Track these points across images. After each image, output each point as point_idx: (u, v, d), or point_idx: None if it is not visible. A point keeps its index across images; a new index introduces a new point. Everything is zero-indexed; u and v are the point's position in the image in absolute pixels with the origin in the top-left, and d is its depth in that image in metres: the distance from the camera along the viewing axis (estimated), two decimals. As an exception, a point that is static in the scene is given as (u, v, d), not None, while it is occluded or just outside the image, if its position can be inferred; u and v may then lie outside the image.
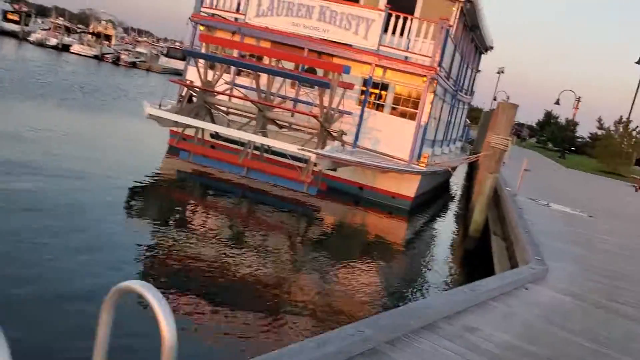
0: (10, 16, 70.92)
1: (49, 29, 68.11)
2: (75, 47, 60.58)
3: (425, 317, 3.71)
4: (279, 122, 13.92)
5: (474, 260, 11.20)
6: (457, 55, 18.99)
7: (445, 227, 16.24)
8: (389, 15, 15.20)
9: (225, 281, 7.72)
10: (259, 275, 8.21)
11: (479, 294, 4.39)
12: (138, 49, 69.85)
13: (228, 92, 13.98)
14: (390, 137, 15.30)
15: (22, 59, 40.22)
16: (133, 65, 61.43)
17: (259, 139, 12.56)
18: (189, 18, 16.39)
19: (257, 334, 6.24)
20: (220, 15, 16.87)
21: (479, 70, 29.92)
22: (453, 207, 20.20)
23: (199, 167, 14.50)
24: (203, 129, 13.69)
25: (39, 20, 78.89)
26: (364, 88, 15.58)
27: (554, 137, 55.86)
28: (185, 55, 18.73)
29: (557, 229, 8.86)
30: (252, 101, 13.32)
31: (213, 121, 14.07)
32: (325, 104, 13.29)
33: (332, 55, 15.71)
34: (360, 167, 14.55)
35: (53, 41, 62.17)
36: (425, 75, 14.95)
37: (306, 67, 15.83)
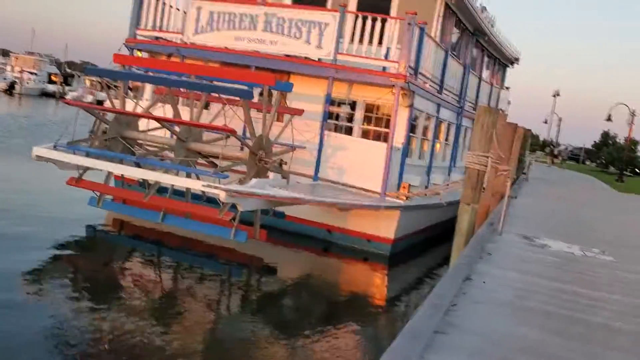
0: (53, 78, 73.31)
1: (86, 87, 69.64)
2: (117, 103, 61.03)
3: None
4: (204, 153, 11.11)
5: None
6: (455, 64, 15.76)
7: (437, 276, 12.73)
8: (355, 17, 12.32)
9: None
10: (197, 355, 6.69)
11: None
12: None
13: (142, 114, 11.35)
14: (359, 165, 12.19)
15: (32, 115, 39.86)
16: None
17: (156, 177, 9.78)
18: (123, 44, 14.12)
19: None
20: (163, 38, 14.52)
21: (507, 88, 26.32)
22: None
23: (114, 215, 11.96)
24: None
25: (84, 79, 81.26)
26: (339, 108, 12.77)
27: (612, 158, 50.21)
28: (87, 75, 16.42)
29: (527, 288, 5.50)
30: (155, 118, 10.64)
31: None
32: (255, 123, 10.47)
33: (287, 72, 12.92)
34: (325, 206, 11.55)
35: (89, 98, 63.02)
36: (393, 85, 11.84)
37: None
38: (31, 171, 14.27)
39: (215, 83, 11.42)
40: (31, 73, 67.84)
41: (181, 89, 12.40)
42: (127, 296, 8.53)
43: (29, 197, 13.02)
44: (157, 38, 14.56)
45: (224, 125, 10.63)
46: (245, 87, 10.75)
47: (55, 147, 10.57)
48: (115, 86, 12.91)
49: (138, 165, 10.52)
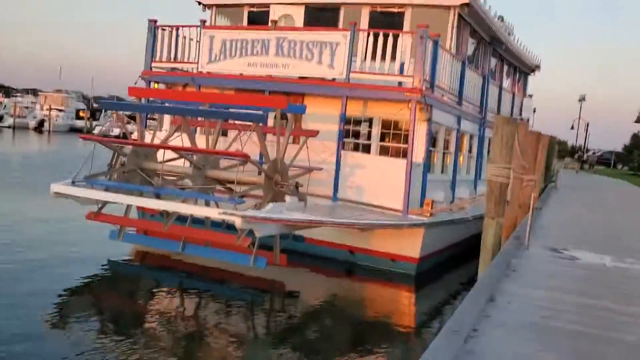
0: (81, 114, 75.04)
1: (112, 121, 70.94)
2: (135, 135, 62.09)
3: None
4: (222, 180, 11.03)
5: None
6: (473, 75, 15.50)
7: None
8: (367, 34, 12.22)
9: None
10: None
11: None
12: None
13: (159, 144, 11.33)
14: (379, 183, 11.96)
15: (60, 151, 40.69)
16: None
17: (174, 207, 9.72)
18: (140, 76, 14.28)
19: None
20: (179, 69, 14.65)
21: (530, 95, 25.84)
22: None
23: (136, 247, 11.97)
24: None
25: (111, 114, 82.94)
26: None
27: (645, 161, 48.82)
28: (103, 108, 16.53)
29: (554, 306, 5.18)
30: (171, 148, 10.61)
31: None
32: (270, 146, 10.40)
33: (301, 94, 12.88)
34: (344, 227, 11.34)
35: (116, 131, 64.16)
36: (409, 100, 11.65)
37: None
38: (55, 207, 14.41)
39: (232, 110, 11.43)
40: (59, 110, 69.63)
41: (198, 118, 12.46)
42: (150, 327, 8.44)
43: (51, 233, 13.16)
44: (172, 69, 14.71)
45: (237, 150, 10.55)
46: (260, 112, 10.70)
47: (73, 183, 10.64)
48: (132, 118, 13.01)
49: (157, 195, 10.52)
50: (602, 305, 5.30)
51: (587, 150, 60.50)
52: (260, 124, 10.06)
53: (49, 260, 10.99)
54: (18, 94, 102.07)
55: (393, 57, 12.02)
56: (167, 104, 12.82)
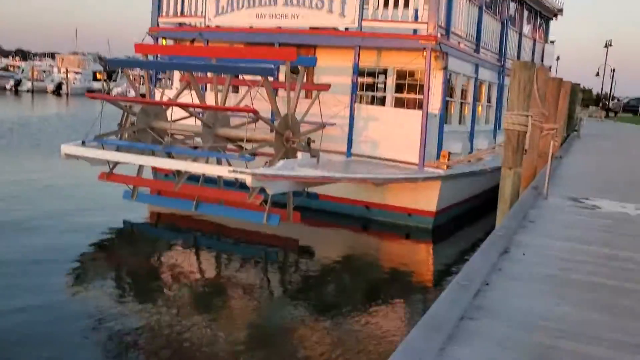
0: (98, 75, 74.94)
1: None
2: (152, 94, 61.98)
3: None
4: (232, 138, 10.83)
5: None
6: (491, 20, 14.85)
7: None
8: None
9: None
10: (242, 344, 6.63)
11: None
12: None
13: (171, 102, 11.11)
14: (394, 136, 11.66)
15: (78, 113, 40.77)
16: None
17: (184, 166, 9.59)
18: (147, 33, 13.96)
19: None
20: (186, 23, 14.28)
21: (552, 42, 24.89)
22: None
23: (151, 208, 11.95)
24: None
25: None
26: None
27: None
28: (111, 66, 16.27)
29: (572, 257, 4.94)
30: (178, 105, 10.40)
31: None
32: (281, 102, 10.13)
33: (313, 46, 12.48)
34: (358, 183, 11.14)
35: (132, 92, 64.05)
36: (423, 49, 11.19)
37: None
38: (72, 168, 14.41)
39: (240, 64, 11.11)
40: (76, 72, 69.64)
41: (207, 74, 12.18)
42: (167, 286, 8.47)
43: (66, 195, 13.21)
44: (180, 24, 14.35)
45: (246, 106, 10.30)
46: (270, 66, 10.37)
47: (83, 143, 10.55)
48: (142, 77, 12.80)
49: (169, 154, 10.39)
50: (624, 255, 5.05)
51: (613, 98, 58.71)
52: (270, 78, 9.76)
53: (64, 222, 11.04)
54: (36, 58, 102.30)
55: (406, 4, 11.53)
56: (175, 61, 12.54)
